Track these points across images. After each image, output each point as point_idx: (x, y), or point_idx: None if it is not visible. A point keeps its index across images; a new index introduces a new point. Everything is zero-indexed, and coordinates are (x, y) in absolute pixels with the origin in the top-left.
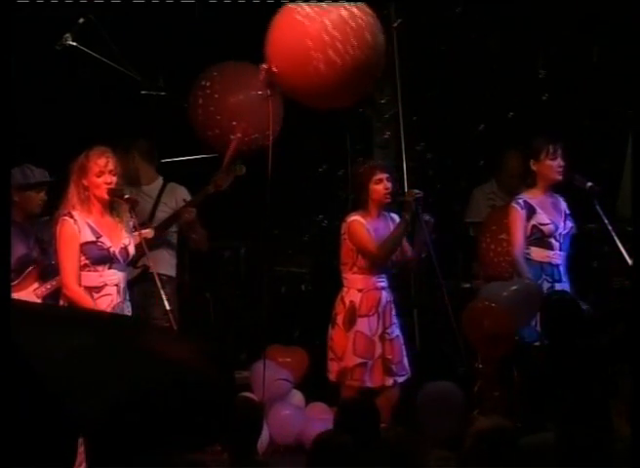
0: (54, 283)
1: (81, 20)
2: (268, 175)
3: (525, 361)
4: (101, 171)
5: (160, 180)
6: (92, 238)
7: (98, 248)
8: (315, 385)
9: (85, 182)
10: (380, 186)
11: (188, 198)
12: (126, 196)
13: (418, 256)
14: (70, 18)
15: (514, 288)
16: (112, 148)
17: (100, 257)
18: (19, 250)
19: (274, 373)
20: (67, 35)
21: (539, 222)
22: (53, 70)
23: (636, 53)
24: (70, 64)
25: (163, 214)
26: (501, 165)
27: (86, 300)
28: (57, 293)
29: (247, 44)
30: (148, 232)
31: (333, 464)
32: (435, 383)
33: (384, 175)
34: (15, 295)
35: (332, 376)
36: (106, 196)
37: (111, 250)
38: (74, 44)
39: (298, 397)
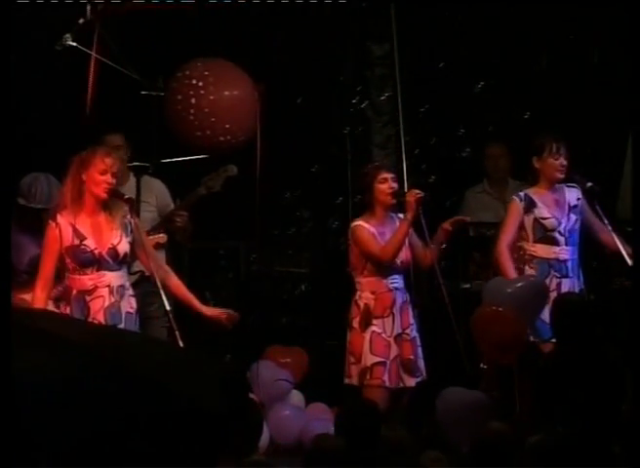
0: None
1: (81, 21)
2: (256, 175)
3: (535, 359)
4: (106, 169)
5: (132, 179)
6: (75, 241)
7: (81, 251)
8: (315, 385)
9: (83, 177)
10: (385, 186)
11: (165, 191)
12: (126, 196)
13: (434, 260)
14: (70, 18)
15: (518, 285)
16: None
17: (86, 260)
18: (30, 250)
19: (274, 374)
20: (67, 35)
21: (539, 216)
22: (53, 70)
23: (636, 53)
24: (70, 64)
25: (147, 213)
26: (486, 160)
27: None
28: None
29: (247, 44)
30: (162, 237)
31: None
32: (455, 390)
33: (389, 175)
34: (27, 297)
35: (353, 380)
36: (105, 195)
37: (96, 252)
38: (74, 44)
39: (298, 397)
